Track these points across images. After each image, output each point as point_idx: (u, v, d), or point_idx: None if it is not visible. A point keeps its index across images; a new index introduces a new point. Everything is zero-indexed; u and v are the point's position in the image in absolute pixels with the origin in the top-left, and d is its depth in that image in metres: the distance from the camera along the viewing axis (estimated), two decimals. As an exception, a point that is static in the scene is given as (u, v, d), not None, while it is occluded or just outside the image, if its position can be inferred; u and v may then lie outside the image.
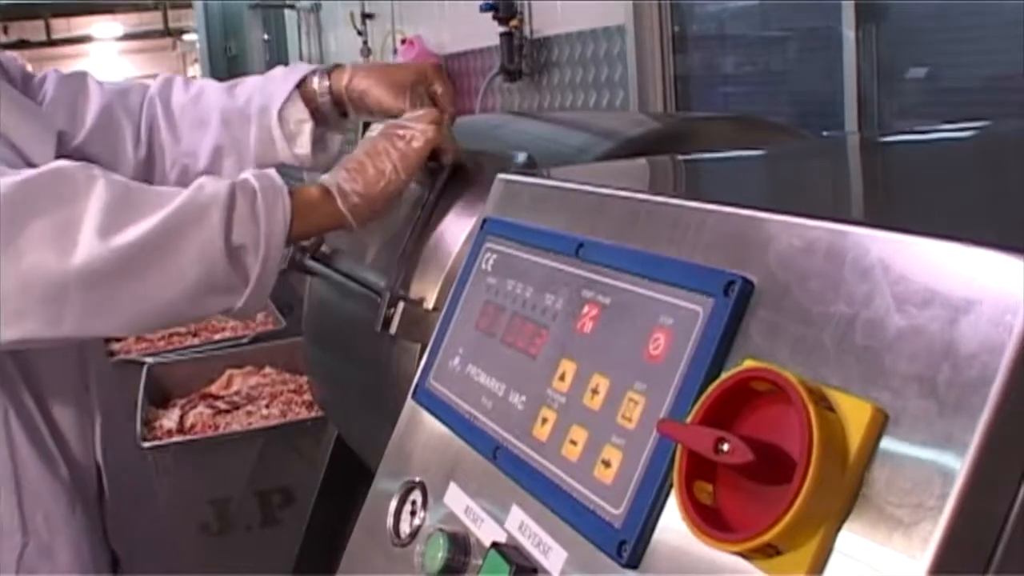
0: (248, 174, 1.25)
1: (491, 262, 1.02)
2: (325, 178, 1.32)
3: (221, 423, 3.71)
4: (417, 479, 1.01)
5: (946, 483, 0.52)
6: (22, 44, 23.96)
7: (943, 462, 0.53)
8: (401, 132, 1.34)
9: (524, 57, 4.50)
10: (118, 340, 5.00)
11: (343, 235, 2.20)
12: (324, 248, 2.22)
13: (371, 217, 1.37)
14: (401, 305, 1.57)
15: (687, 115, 2.83)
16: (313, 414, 3.58)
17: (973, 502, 0.52)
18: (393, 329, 1.57)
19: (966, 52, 3.06)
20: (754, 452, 0.57)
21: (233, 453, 3.46)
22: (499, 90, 4.81)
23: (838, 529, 0.57)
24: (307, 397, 3.85)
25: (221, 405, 3.85)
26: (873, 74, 3.24)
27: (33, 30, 23.32)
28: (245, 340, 4.56)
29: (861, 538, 0.56)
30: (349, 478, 2.32)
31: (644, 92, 3.97)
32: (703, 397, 0.64)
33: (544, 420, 0.83)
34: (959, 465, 0.52)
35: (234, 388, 4.01)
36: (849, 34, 3.22)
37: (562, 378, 0.83)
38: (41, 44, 24.55)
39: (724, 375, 0.64)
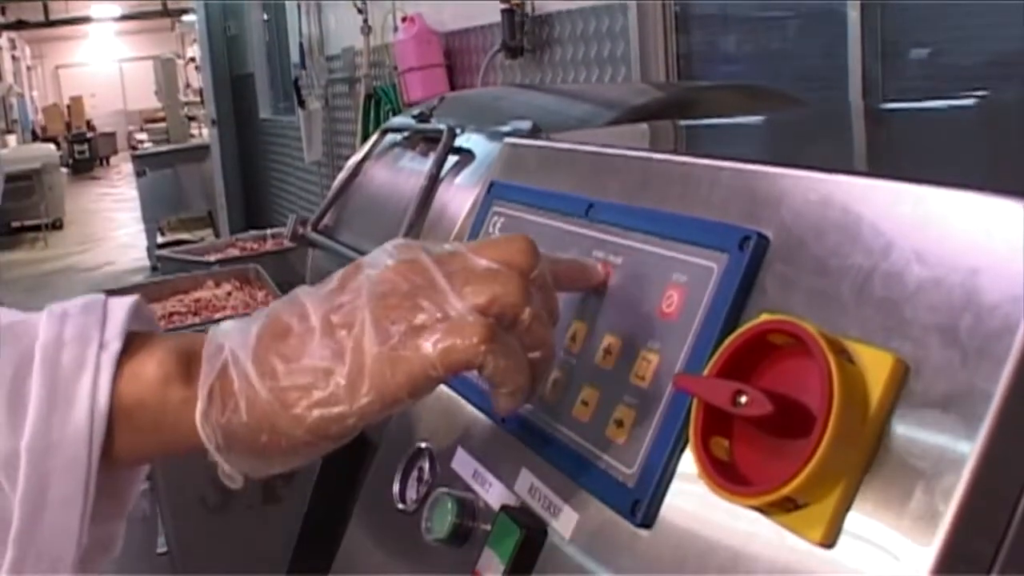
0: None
1: (498, 226, 1.01)
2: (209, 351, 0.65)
3: (222, 401, 3.71)
4: (424, 445, 1.00)
5: (970, 433, 0.51)
6: (20, 25, 23.89)
7: (966, 411, 0.52)
8: (420, 321, 0.63)
9: (526, 34, 4.47)
10: (118, 319, 5.00)
11: (345, 207, 2.20)
12: (327, 221, 2.22)
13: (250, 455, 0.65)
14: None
15: (690, 84, 2.82)
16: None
17: (998, 451, 0.51)
18: (397, 299, 1.56)
19: (969, 30, 3.05)
20: (773, 404, 0.56)
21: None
22: (501, 67, 4.79)
23: (859, 482, 0.55)
24: (308, 375, 3.84)
25: (222, 383, 3.84)
26: (876, 52, 3.22)
27: (32, 10, 23.23)
28: (246, 319, 4.56)
29: (882, 491, 0.55)
30: (351, 454, 2.32)
31: (647, 69, 3.95)
32: (720, 351, 0.63)
33: (554, 381, 0.82)
34: (983, 414, 0.51)
35: (235, 366, 4.01)
36: (853, 13, 3.20)
37: (573, 339, 0.82)
38: (39, 25, 24.47)
39: (741, 329, 0.63)
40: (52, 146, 17.76)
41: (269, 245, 6.24)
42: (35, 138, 23.30)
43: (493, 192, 1.05)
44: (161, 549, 3.53)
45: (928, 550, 0.51)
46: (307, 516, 2.13)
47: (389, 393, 0.61)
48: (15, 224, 13.84)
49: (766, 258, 0.68)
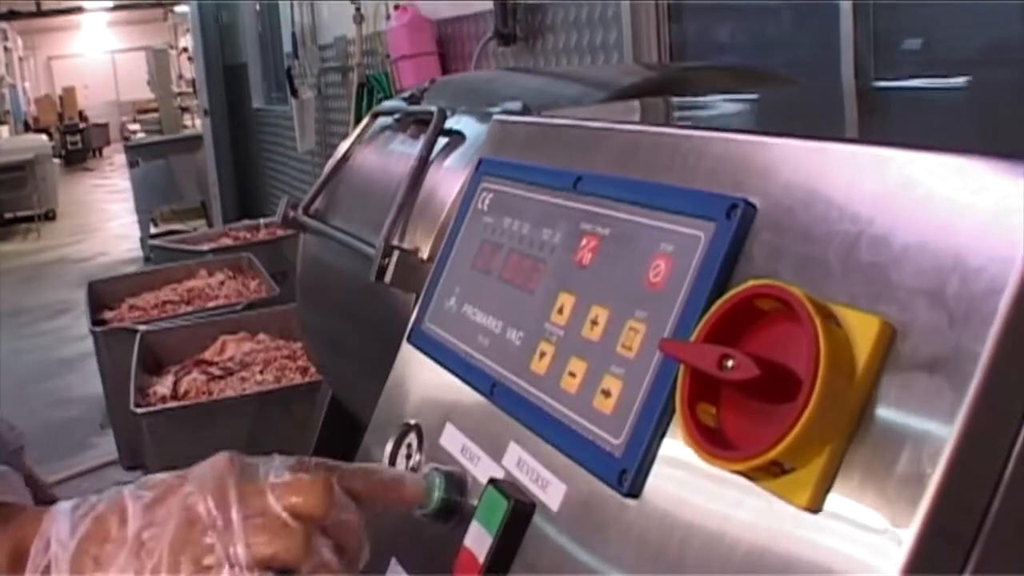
0: None
1: (487, 201, 1.01)
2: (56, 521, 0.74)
3: (215, 389, 3.70)
4: (412, 422, 1.00)
5: (958, 394, 0.51)
6: (11, 15, 23.80)
7: (954, 373, 0.52)
8: (207, 563, 0.69)
9: (518, 22, 4.45)
10: (110, 308, 4.99)
11: (337, 190, 2.19)
12: (318, 205, 2.21)
13: None
14: (396, 254, 1.55)
15: (681, 64, 2.81)
16: (307, 379, 3.58)
17: (986, 412, 0.50)
18: (388, 278, 1.56)
19: (962, 20, 3.04)
20: (760, 368, 0.55)
21: (228, 418, 3.45)
22: (493, 55, 4.77)
23: (846, 446, 0.55)
24: (301, 363, 3.83)
25: (215, 371, 3.83)
26: (869, 42, 3.21)
27: (23, 1, 23.12)
28: (239, 307, 4.55)
29: (869, 454, 0.55)
30: (343, 440, 2.31)
31: (640, 57, 3.93)
32: (706, 317, 0.62)
33: (542, 354, 0.82)
34: (971, 375, 0.51)
35: (228, 354, 4.00)
36: (845, 3, 3.19)
37: (560, 311, 0.82)
38: (31, 15, 24.38)
39: (727, 295, 0.62)
40: (44, 137, 17.70)
41: (262, 234, 6.23)
42: (27, 129, 23.21)
43: (482, 168, 1.05)
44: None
45: (916, 512, 0.51)
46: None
47: None
48: (8, 215, 13.78)
49: (753, 226, 0.68)
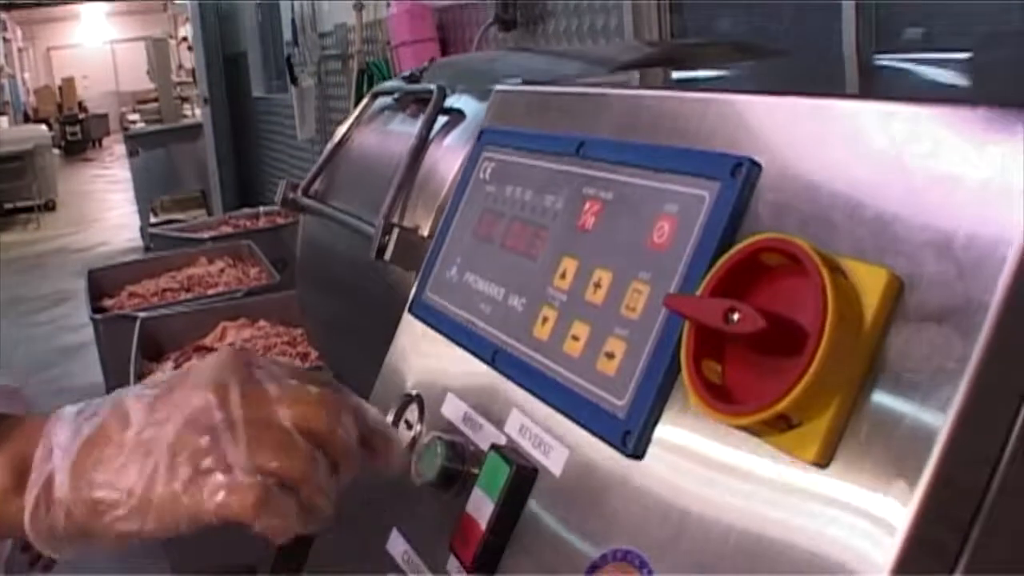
0: None
1: (489, 171, 1.00)
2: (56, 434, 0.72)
3: (216, 375, 3.69)
4: (414, 393, 0.99)
5: (967, 343, 0.50)
6: (9, 6, 23.75)
7: (963, 323, 0.51)
8: (206, 466, 0.67)
9: (519, 7, 4.44)
10: (110, 296, 4.98)
11: (336, 170, 2.18)
12: (317, 186, 2.20)
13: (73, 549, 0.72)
14: (396, 232, 1.54)
15: (682, 40, 2.79)
16: (308, 365, 3.57)
17: (995, 361, 0.50)
18: (388, 256, 1.55)
19: (963, 10, 3.03)
20: (766, 321, 0.54)
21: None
22: (494, 40, 4.76)
23: (854, 399, 0.54)
24: (301, 349, 3.83)
25: (215, 357, 3.82)
26: (872, 33, 3.20)
27: (22, -9, 23.05)
28: (239, 294, 4.54)
29: (878, 407, 0.54)
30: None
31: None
32: (712, 272, 0.62)
33: (544, 319, 0.81)
34: (980, 325, 0.50)
35: (228, 340, 3.99)
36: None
37: (563, 276, 0.81)
38: (30, 5, 24.33)
39: (733, 249, 0.61)
40: (44, 127, 17.65)
41: (262, 222, 6.21)
42: (27, 120, 23.17)
43: (484, 139, 1.04)
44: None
45: (926, 463, 0.50)
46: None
47: (169, 527, 0.68)
48: (8, 206, 13.77)
49: (758, 185, 0.67)
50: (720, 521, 0.60)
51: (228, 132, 10.11)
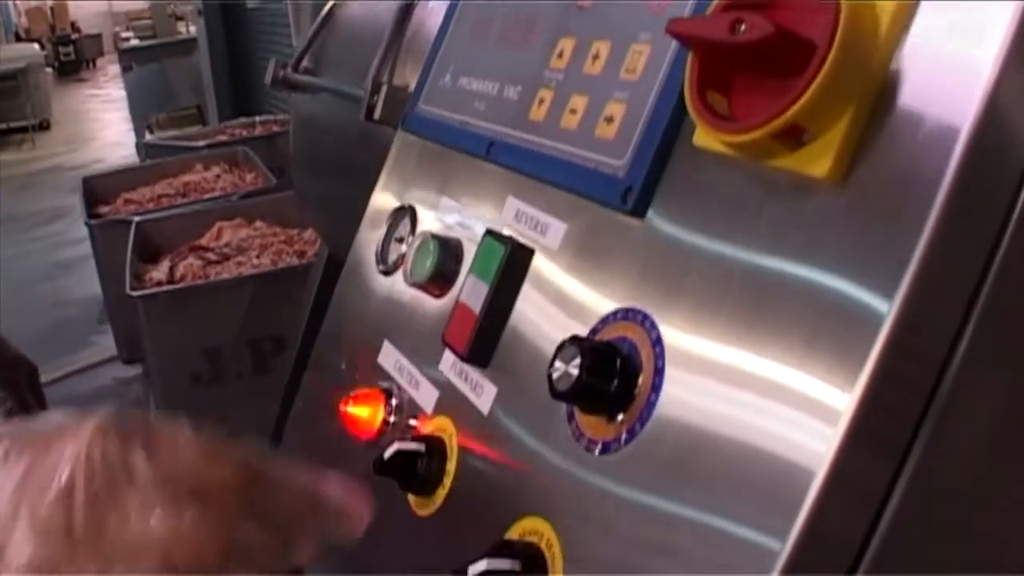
0: None
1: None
2: None
3: (211, 273, 3.66)
4: (406, 205, 0.96)
5: (984, 53, 0.47)
6: (0, -77, 23.29)
7: (978, 41, 0.47)
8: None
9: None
10: (106, 203, 4.93)
11: (325, 45, 2.13)
12: (307, 63, 2.15)
13: None
14: (384, 90, 1.50)
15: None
16: (304, 262, 3.54)
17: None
18: (377, 115, 1.51)
19: None
20: (775, 28, 0.51)
21: (224, 301, 3.42)
22: None
23: (868, 114, 0.51)
24: (298, 247, 3.80)
25: (211, 256, 3.79)
26: None
27: (11, -91, 22.63)
28: (235, 197, 4.49)
29: (892, 123, 0.50)
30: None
31: None
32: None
33: (541, 101, 0.77)
34: (996, 38, 0.47)
35: (224, 240, 3.95)
36: None
37: (560, 55, 0.77)
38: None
39: (740, -27, 0.57)
40: (36, 45, 17.44)
41: (258, 131, 6.14)
42: (19, 40, 22.90)
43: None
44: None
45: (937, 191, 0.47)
46: (290, 382, 2.11)
47: None
48: (2, 126, 13.65)
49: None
50: (720, 275, 0.57)
51: (223, 46, 9.98)
